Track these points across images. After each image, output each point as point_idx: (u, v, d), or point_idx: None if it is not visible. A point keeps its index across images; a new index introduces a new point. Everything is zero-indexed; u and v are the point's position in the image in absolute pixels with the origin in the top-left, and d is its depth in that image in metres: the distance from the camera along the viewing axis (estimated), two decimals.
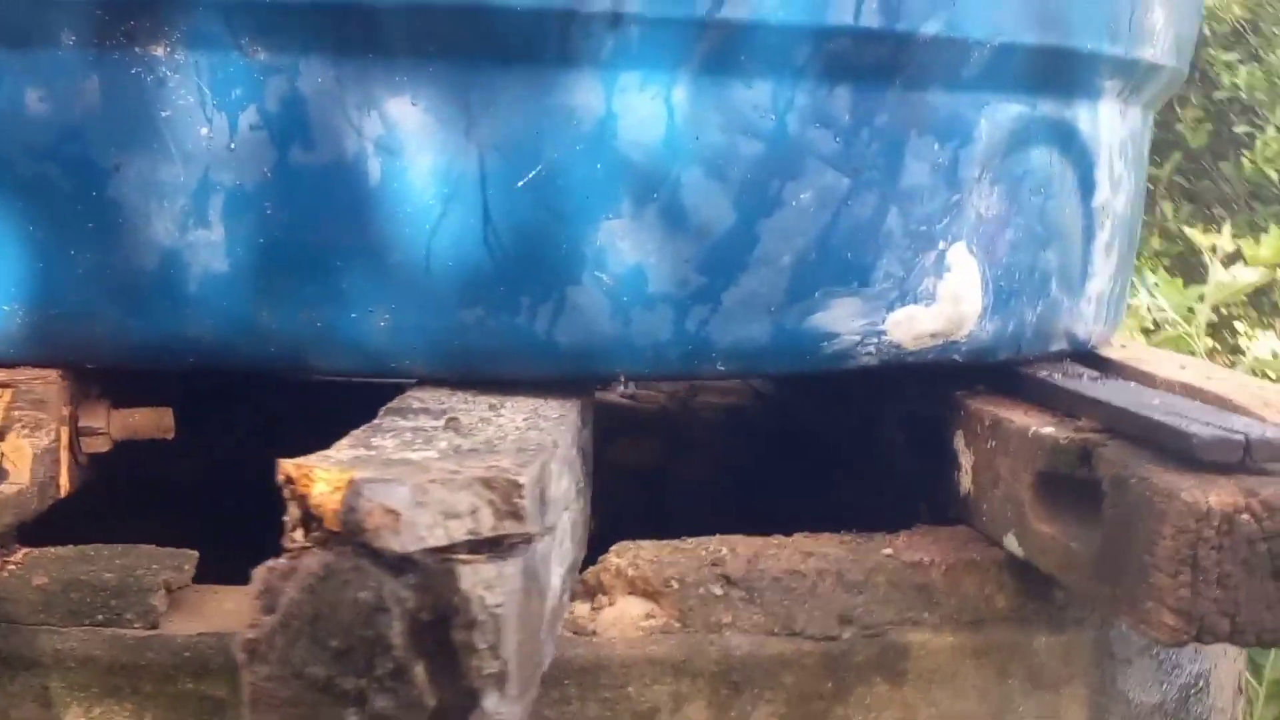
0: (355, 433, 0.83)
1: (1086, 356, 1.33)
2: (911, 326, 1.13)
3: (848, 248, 1.09)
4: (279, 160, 0.97)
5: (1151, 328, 2.79)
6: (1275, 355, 2.66)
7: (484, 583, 0.66)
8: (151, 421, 1.05)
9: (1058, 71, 1.16)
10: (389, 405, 0.93)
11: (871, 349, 1.12)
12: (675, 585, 0.99)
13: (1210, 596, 0.85)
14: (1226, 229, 2.86)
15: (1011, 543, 1.07)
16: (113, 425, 1.04)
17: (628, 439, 2.00)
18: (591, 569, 1.03)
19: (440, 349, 1.02)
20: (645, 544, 1.04)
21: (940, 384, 1.24)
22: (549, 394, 1.04)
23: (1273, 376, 2.74)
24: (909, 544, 1.09)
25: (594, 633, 0.97)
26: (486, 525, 0.68)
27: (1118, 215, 1.28)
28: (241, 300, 0.99)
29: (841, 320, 1.10)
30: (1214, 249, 2.73)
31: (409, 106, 0.98)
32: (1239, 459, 0.89)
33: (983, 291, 1.15)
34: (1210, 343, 2.75)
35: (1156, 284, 2.71)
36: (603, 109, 1.00)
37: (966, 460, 1.17)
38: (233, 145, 0.97)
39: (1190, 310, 2.64)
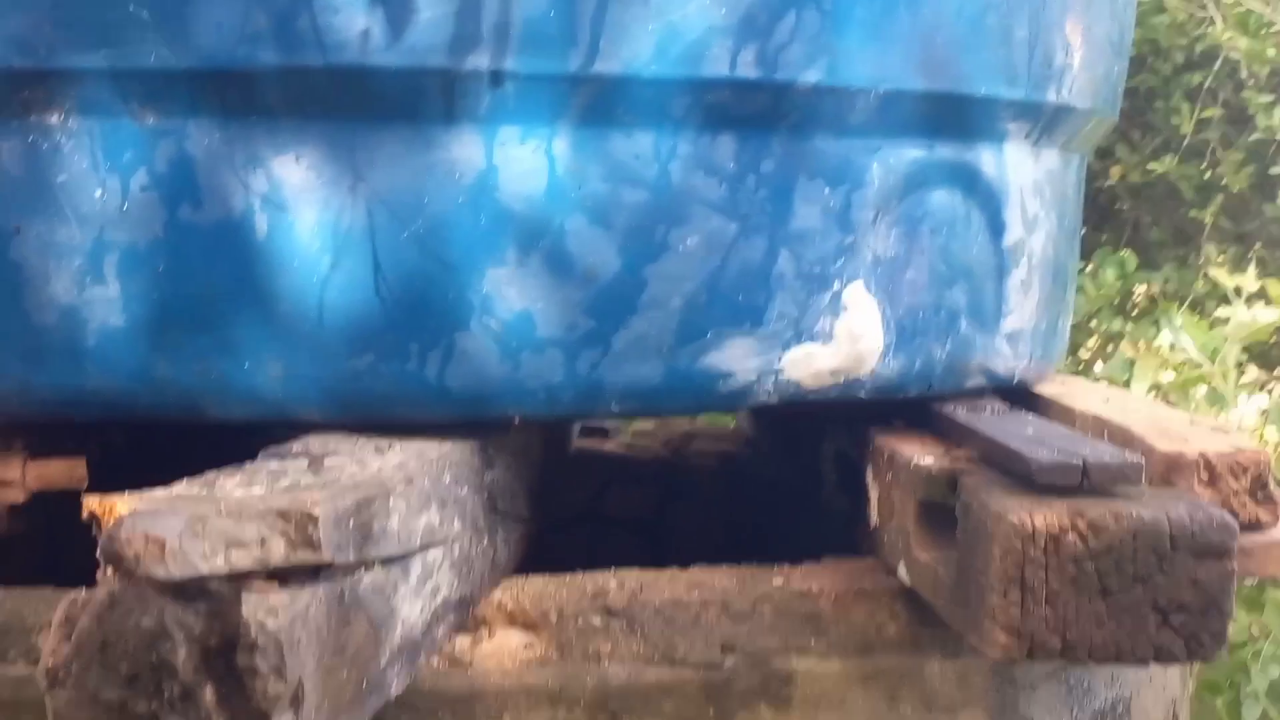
0: (210, 473, 0.88)
1: (1014, 393, 1.35)
2: (810, 365, 1.16)
3: (739, 290, 1.12)
4: (169, 219, 1.03)
5: (1175, 369, 2.78)
6: None
7: (267, 608, 0.70)
8: (64, 472, 1.10)
9: (953, 116, 1.19)
10: (270, 449, 0.98)
11: (770, 387, 1.15)
12: (554, 617, 1.03)
13: (1040, 615, 0.88)
14: (1251, 269, 2.85)
15: (902, 571, 1.10)
16: (28, 477, 1.10)
17: (623, 489, 2.03)
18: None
19: (333, 396, 1.07)
20: (534, 578, 1.08)
21: (861, 423, 1.27)
22: (446, 436, 1.08)
23: None
24: (804, 575, 1.12)
25: (470, 664, 1.01)
26: (277, 555, 0.72)
27: (1035, 254, 1.30)
28: (139, 353, 1.05)
29: (736, 360, 1.13)
30: (1238, 289, 2.72)
31: (294, 164, 1.03)
32: (1077, 482, 0.92)
33: (884, 329, 1.18)
34: (1237, 379, 2.73)
35: (1180, 325, 2.71)
36: (484, 162, 1.05)
37: (874, 493, 1.20)
38: (125, 206, 1.03)
39: (1215, 351, 2.63)
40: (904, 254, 1.19)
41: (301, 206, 1.03)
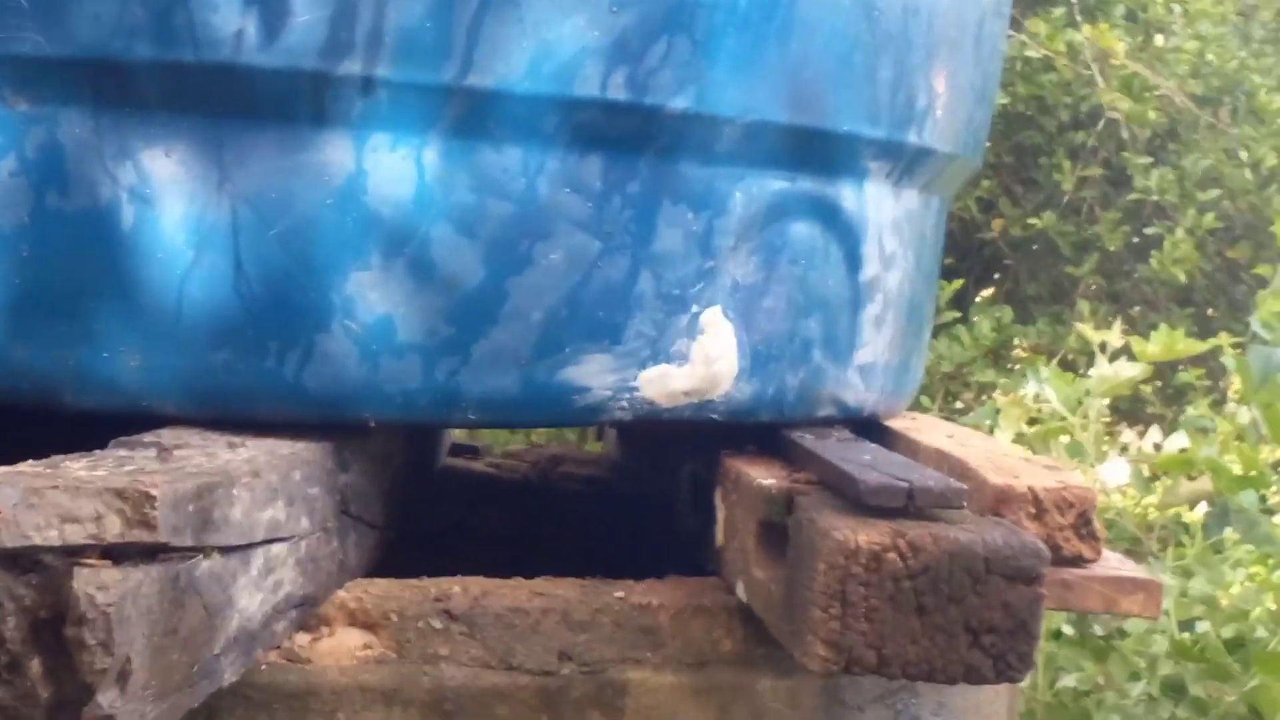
0: (57, 456, 0.89)
1: (865, 425, 1.39)
2: (665, 385, 1.19)
3: (599, 307, 1.15)
4: (36, 206, 1.04)
5: (1039, 418, 2.85)
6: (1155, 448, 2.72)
7: (98, 583, 0.71)
8: None
9: (816, 150, 1.23)
10: (122, 439, 0.99)
11: (625, 404, 1.18)
12: (395, 618, 1.05)
13: (858, 630, 0.91)
14: (1116, 325, 2.93)
15: (740, 589, 1.13)
16: None
17: (491, 508, 2.05)
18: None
19: (191, 390, 1.08)
20: (380, 581, 1.10)
21: (715, 446, 1.30)
22: (301, 436, 1.09)
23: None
24: (645, 589, 1.14)
25: (308, 660, 1.02)
26: (112, 531, 0.74)
27: (891, 291, 1.34)
28: None
29: (593, 376, 1.16)
30: (1104, 345, 2.79)
31: (164, 158, 1.05)
32: (903, 504, 0.95)
33: (739, 354, 1.22)
34: (1099, 432, 2.80)
35: (1046, 377, 2.77)
36: (353, 166, 1.07)
37: (720, 514, 1.23)
38: None
39: (1079, 402, 2.70)
40: (762, 282, 1.22)
41: (168, 200, 1.05)
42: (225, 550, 0.86)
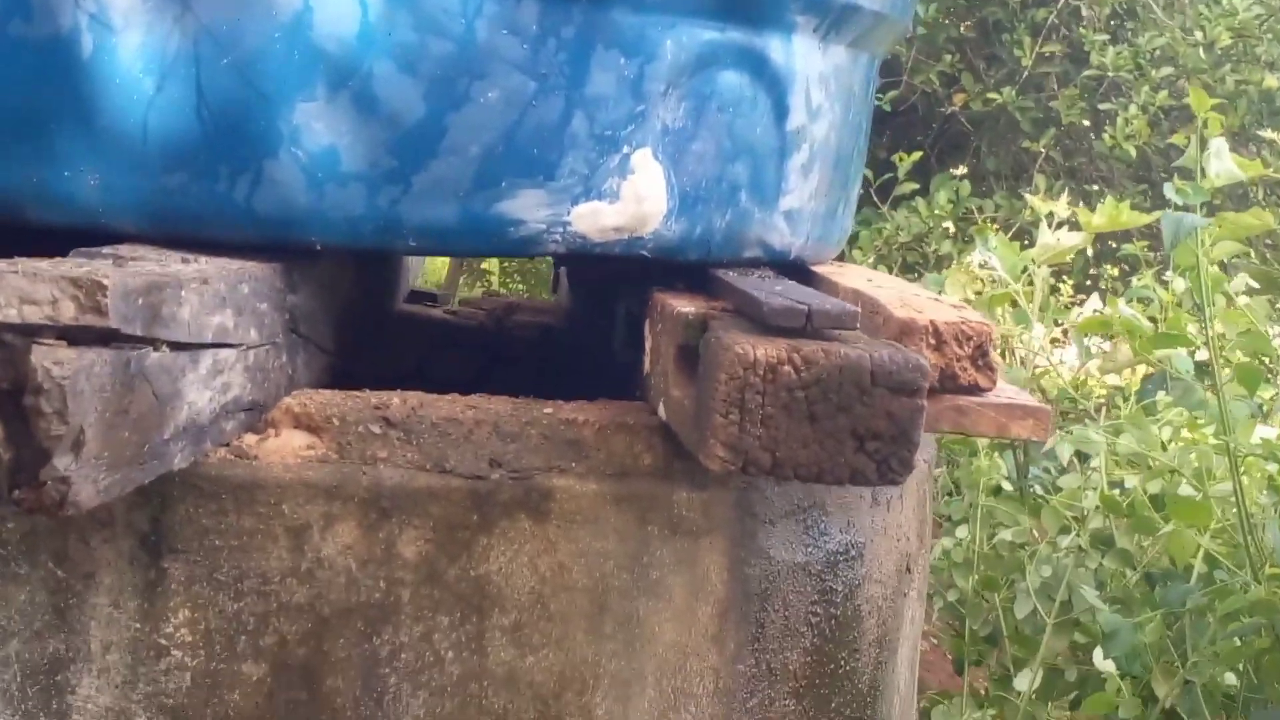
0: (20, 258, 0.97)
1: (791, 268, 1.48)
2: (596, 220, 1.27)
3: (534, 144, 1.22)
4: (1, 32, 1.11)
5: (984, 286, 2.93)
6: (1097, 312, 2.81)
7: (54, 359, 0.79)
8: None
9: (745, 3, 1.30)
10: (82, 249, 1.07)
11: (558, 237, 1.26)
12: (336, 422, 1.14)
13: (754, 434, 1.00)
14: (1063, 198, 3.01)
15: (661, 409, 1.22)
16: None
17: (448, 353, 2.13)
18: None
19: (147, 210, 1.16)
20: (324, 391, 1.18)
21: (648, 285, 1.38)
22: (251, 257, 1.17)
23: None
24: (574, 408, 1.23)
25: (255, 457, 1.11)
26: (67, 315, 0.82)
27: (818, 141, 1.42)
28: None
29: (527, 209, 1.24)
30: (1050, 216, 2.88)
31: None
32: (802, 325, 1.04)
33: (668, 194, 1.29)
34: (1047, 300, 2.88)
35: (995, 246, 2.85)
36: (300, 3, 1.14)
37: (648, 344, 1.32)
38: None
39: (1024, 270, 2.79)
40: (691, 127, 1.30)
41: (128, 29, 1.12)
42: (175, 346, 0.94)
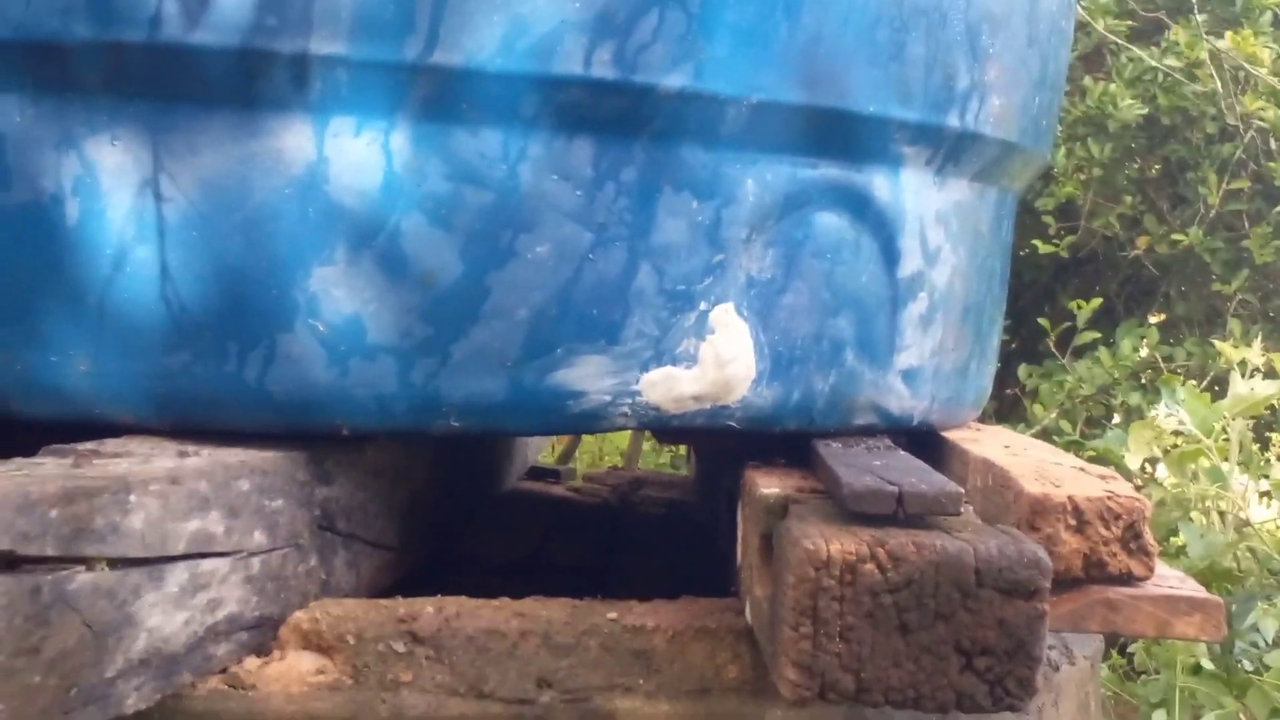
0: None
1: (917, 435, 1.28)
2: (671, 388, 1.09)
3: (593, 304, 1.06)
4: None
5: (1176, 443, 2.69)
6: None
7: None
8: None
9: (838, 134, 1.12)
10: (55, 445, 0.93)
11: (626, 410, 1.09)
12: (352, 640, 0.96)
13: (832, 650, 0.80)
14: (1257, 343, 2.76)
15: (747, 609, 1.03)
16: None
17: (570, 535, 1.97)
18: None
19: (148, 396, 1.01)
20: (347, 602, 1.02)
21: (745, 459, 1.20)
22: (269, 445, 1.02)
23: None
24: (645, 610, 1.05)
25: (253, 686, 0.94)
26: None
27: (939, 289, 1.23)
28: None
29: (588, 379, 1.07)
30: (1244, 363, 2.64)
31: (109, 147, 0.98)
32: (892, 511, 0.85)
33: (756, 355, 1.12)
34: (1239, 456, 2.63)
35: (1182, 398, 2.62)
36: (314, 153, 1.00)
37: (740, 530, 1.13)
38: None
39: (1218, 423, 2.54)
40: (782, 277, 1.12)
41: (115, 192, 0.99)
42: (124, 562, 0.78)
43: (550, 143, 1.04)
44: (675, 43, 1.03)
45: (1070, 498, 1.00)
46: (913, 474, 0.91)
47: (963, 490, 0.86)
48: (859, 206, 1.15)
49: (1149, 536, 1.01)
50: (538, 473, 2.11)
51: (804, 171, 1.12)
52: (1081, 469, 1.13)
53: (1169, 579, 1.04)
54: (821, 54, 1.09)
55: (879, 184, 1.16)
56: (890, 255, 1.18)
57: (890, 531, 0.82)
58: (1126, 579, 1.01)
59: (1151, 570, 1.01)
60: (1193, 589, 1.02)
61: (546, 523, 1.94)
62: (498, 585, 1.60)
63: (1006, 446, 1.23)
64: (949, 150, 1.20)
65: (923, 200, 1.20)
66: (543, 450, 2.95)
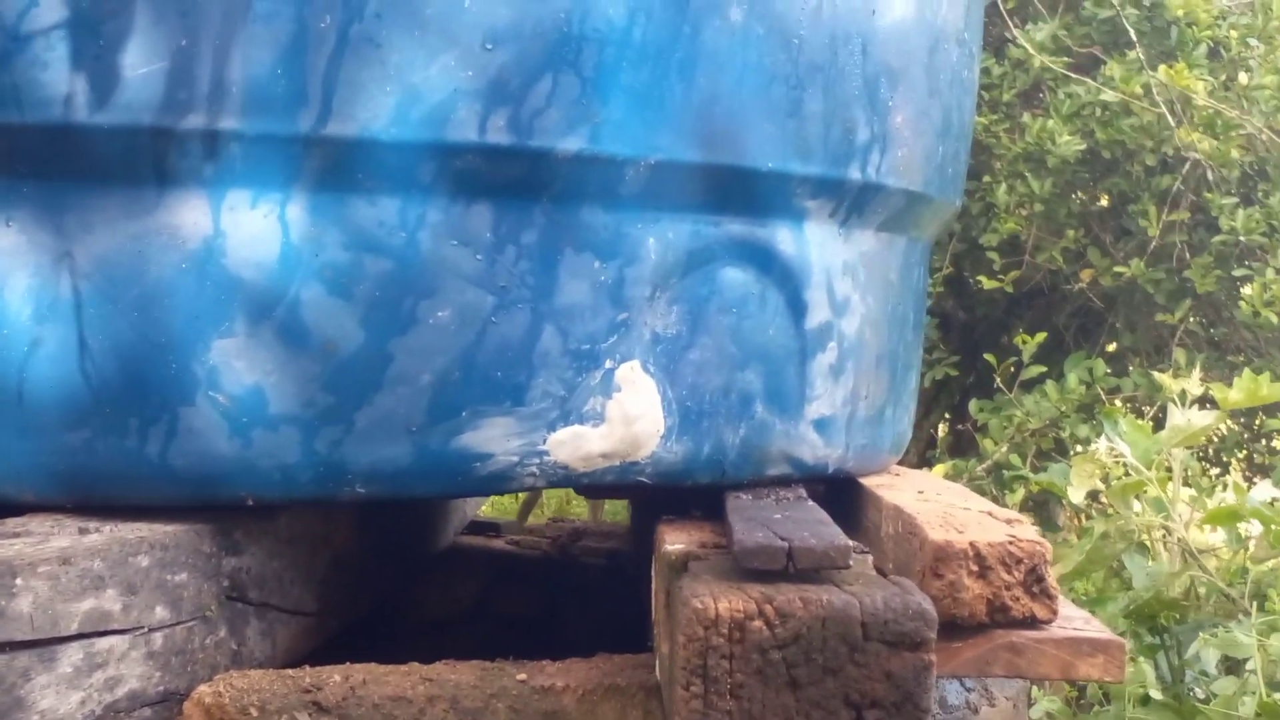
0: None
1: (836, 483, 1.29)
2: (579, 447, 1.10)
3: (497, 366, 1.06)
4: None
5: (1121, 475, 2.71)
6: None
7: None
8: None
9: (740, 191, 1.13)
10: None
11: (534, 470, 1.09)
12: (255, 713, 0.96)
13: (723, 709, 0.81)
14: (1195, 373, 2.78)
15: (656, 665, 1.03)
16: None
17: (510, 588, 1.97)
18: None
19: (45, 474, 1.01)
20: (252, 673, 1.01)
21: (660, 513, 1.21)
22: (175, 519, 1.02)
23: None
24: (557, 670, 1.05)
25: None
26: None
27: (849, 338, 1.24)
28: None
29: (495, 441, 1.07)
30: (1183, 393, 2.66)
31: (3, 228, 0.99)
32: (782, 565, 0.85)
33: (664, 411, 1.12)
34: (1188, 488, 2.65)
35: (1123, 430, 2.64)
36: (210, 227, 1.00)
37: (653, 585, 1.13)
38: None
39: (1158, 454, 2.56)
40: (687, 333, 1.13)
41: (9, 273, 0.99)
42: (8, 646, 0.78)
43: (449, 209, 1.04)
44: (570, 107, 1.04)
45: (972, 543, 1.01)
46: (806, 528, 0.92)
47: (851, 544, 0.87)
48: (763, 261, 1.16)
49: (1051, 579, 1.02)
50: (478, 526, 2.11)
51: (706, 229, 1.13)
52: (989, 513, 1.14)
53: (1074, 620, 1.05)
54: (718, 113, 1.10)
55: (783, 238, 1.17)
56: (797, 307, 1.19)
57: (780, 587, 0.83)
58: (1030, 622, 1.02)
59: (1055, 613, 1.02)
60: (1096, 630, 1.03)
61: (488, 576, 1.94)
62: (440, 641, 1.60)
63: (920, 492, 1.24)
64: (852, 202, 1.21)
65: (828, 252, 1.21)
66: (487, 504, 2.96)
